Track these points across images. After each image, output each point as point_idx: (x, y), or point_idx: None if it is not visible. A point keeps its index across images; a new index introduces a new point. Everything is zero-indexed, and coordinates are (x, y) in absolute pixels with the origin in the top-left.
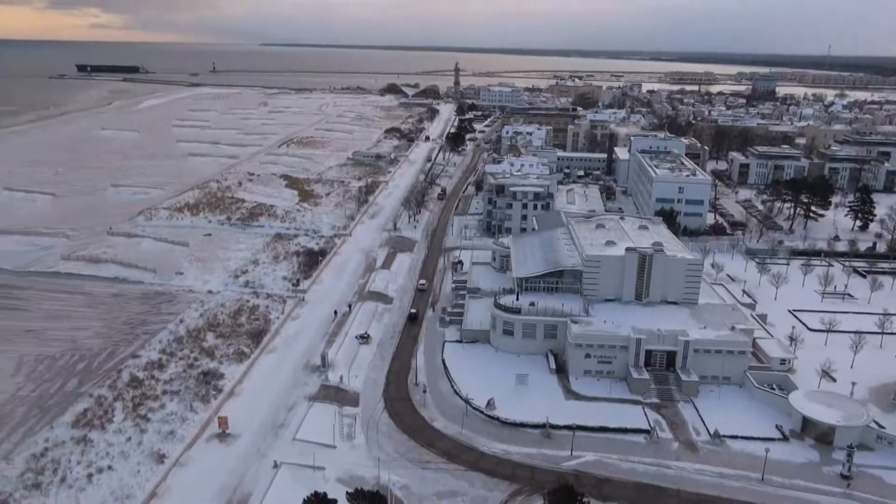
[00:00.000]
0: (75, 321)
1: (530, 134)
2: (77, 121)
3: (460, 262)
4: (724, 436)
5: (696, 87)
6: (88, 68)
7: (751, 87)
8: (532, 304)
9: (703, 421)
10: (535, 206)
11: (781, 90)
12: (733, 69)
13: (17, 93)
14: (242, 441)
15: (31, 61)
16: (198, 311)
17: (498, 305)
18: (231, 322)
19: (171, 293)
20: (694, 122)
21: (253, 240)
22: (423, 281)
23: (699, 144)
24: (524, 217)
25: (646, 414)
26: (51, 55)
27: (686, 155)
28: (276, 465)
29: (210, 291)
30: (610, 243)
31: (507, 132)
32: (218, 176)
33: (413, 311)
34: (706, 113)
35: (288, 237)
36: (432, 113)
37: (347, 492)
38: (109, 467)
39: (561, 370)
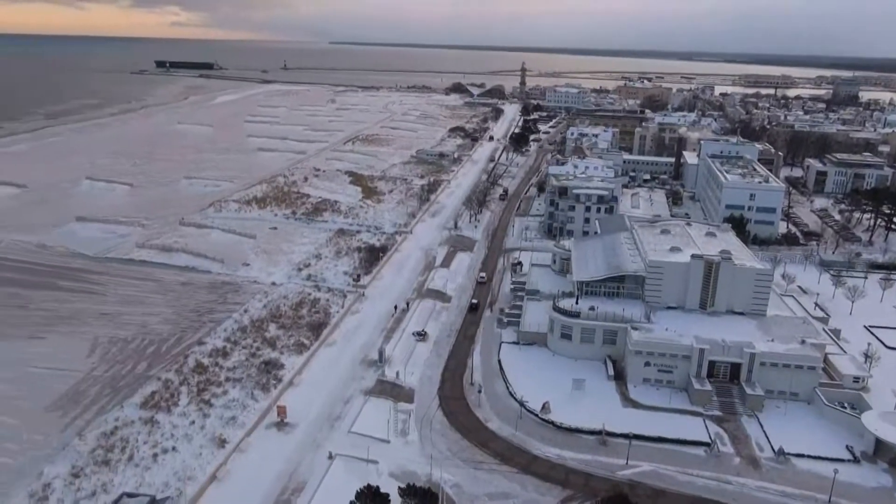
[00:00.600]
0: (147, 307)
1: (596, 136)
2: (155, 115)
3: (520, 263)
4: (789, 454)
5: (772, 91)
6: (167, 64)
7: (831, 91)
8: (592, 308)
9: (767, 437)
10: (599, 210)
11: (865, 95)
12: (813, 72)
13: (101, 87)
14: (299, 431)
15: (114, 57)
16: (261, 302)
17: (556, 308)
18: (293, 314)
19: (237, 283)
20: (768, 126)
21: (316, 234)
22: (483, 274)
23: (773, 150)
24: (587, 220)
25: (706, 426)
26: (133, 51)
27: (759, 161)
28: (330, 457)
29: (274, 283)
30: (675, 249)
31: (573, 133)
32: (285, 171)
33: (474, 301)
34: (782, 117)
35: (350, 233)
36: (497, 113)
37: (400, 487)
38: (174, 448)
39: (619, 377)
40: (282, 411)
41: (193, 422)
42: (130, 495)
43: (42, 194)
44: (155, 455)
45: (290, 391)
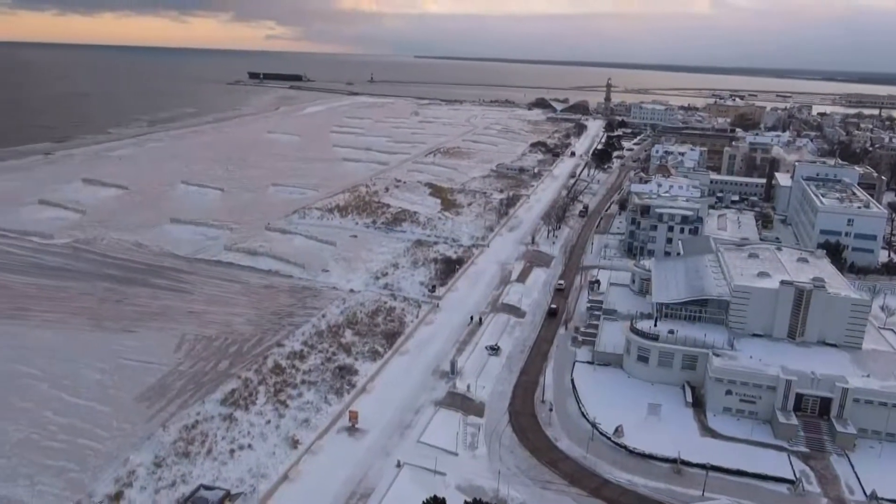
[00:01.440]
0: (231, 307)
1: (682, 154)
2: (248, 123)
3: (597, 281)
4: (883, 499)
5: (875, 111)
6: (261, 75)
7: None
8: (671, 331)
9: (858, 479)
10: (682, 230)
11: None
12: None
13: (200, 96)
14: (370, 437)
15: (213, 68)
16: (339, 308)
17: (634, 330)
18: (368, 321)
19: (316, 289)
20: (871, 149)
21: (395, 244)
22: (561, 282)
23: (875, 174)
24: (669, 240)
25: (791, 463)
26: (230, 63)
27: (859, 185)
28: (399, 465)
29: (352, 290)
30: (763, 274)
31: (657, 151)
32: (367, 181)
33: (553, 306)
34: (886, 140)
35: (428, 244)
36: (580, 128)
37: (466, 501)
38: (249, 446)
39: (697, 404)
40: (353, 416)
41: (269, 421)
42: (207, 488)
43: (141, 196)
44: (232, 451)
45: (362, 397)
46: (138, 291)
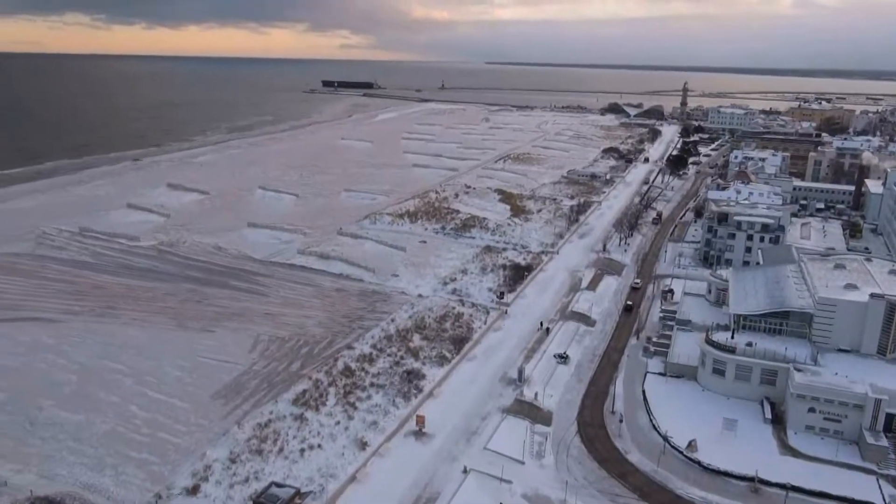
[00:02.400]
0: (304, 309)
1: (763, 160)
2: (322, 131)
3: (671, 291)
4: None
5: None
6: (335, 84)
7: None
8: (749, 344)
9: None
10: (763, 239)
11: None
12: None
13: (277, 105)
14: (436, 441)
15: (289, 77)
16: (407, 313)
17: (710, 341)
18: (436, 326)
19: (385, 293)
20: None
21: (464, 250)
22: (638, 280)
23: None
24: (748, 249)
25: (880, 487)
26: (306, 71)
27: None
28: (465, 471)
29: (420, 295)
30: (850, 287)
31: (736, 157)
32: (437, 187)
33: (629, 302)
34: None
35: (497, 250)
36: (654, 134)
37: None
38: (319, 446)
39: (777, 421)
40: (421, 421)
41: (338, 422)
42: (278, 485)
43: (221, 201)
44: (302, 450)
45: (429, 402)
46: (217, 293)
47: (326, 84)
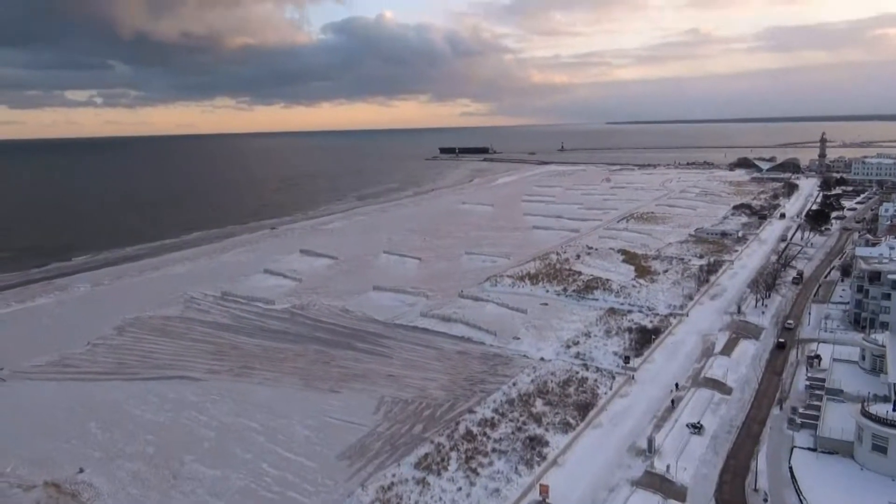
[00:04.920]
0: (426, 372)
1: None
2: (443, 196)
3: (818, 356)
4: None
5: None
6: (456, 150)
7: None
8: None
9: None
10: None
11: None
12: None
13: (401, 172)
14: None
15: (414, 145)
16: (529, 377)
17: (867, 414)
18: (560, 391)
19: (507, 356)
20: None
21: (586, 312)
22: (791, 321)
23: None
24: None
25: None
26: (428, 139)
27: None
28: None
29: (542, 359)
30: None
31: (887, 210)
32: (558, 248)
33: (781, 340)
34: None
35: (621, 312)
36: (790, 188)
37: None
38: None
39: None
40: (544, 490)
41: (460, 488)
42: None
43: (349, 265)
44: None
45: (553, 470)
46: (343, 354)
47: (444, 151)
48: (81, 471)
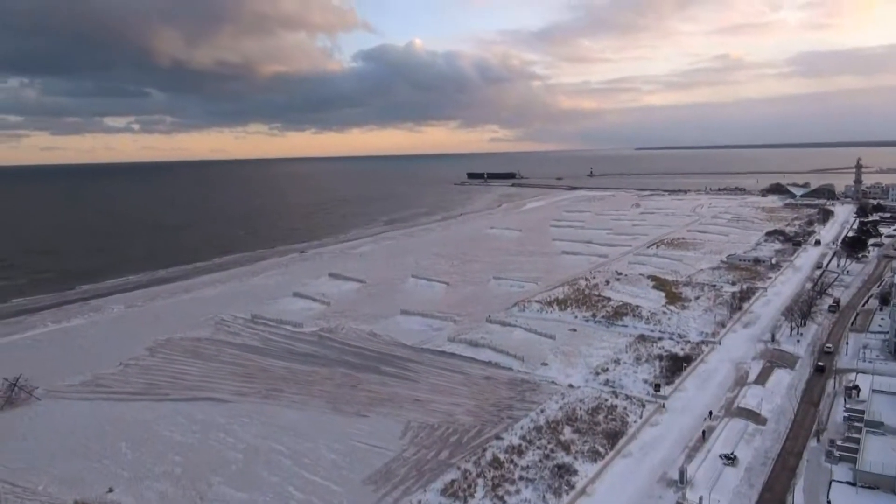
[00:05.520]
0: (453, 397)
1: None
2: (472, 221)
3: (856, 387)
4: None
5: None
6: (485, 175)
7: None
8: None
9: None
10: None
11: None
12: None
13: (430, 197)
14: None
15: (443, 171)
16: (558, 404)
17: None
18: (588, 419)
19: (535, 382)
20: None
21: (616, 339)
22: (829, 345)
23: None
24: None
25: None
26: (457, 165)
27: None
28: None
29: (571, 385)
30: None
31: None
32: (587, 274)
33: (820, 363)
34: None
35: (651, 339)
36: (825, 214)
37: None
38: None
39: None
40: None
41: None
42: None
43: (377, 289)
44: None
45: (582, 499)
46: (370, 378)
47: (472, 176)
48: (111, 490)
